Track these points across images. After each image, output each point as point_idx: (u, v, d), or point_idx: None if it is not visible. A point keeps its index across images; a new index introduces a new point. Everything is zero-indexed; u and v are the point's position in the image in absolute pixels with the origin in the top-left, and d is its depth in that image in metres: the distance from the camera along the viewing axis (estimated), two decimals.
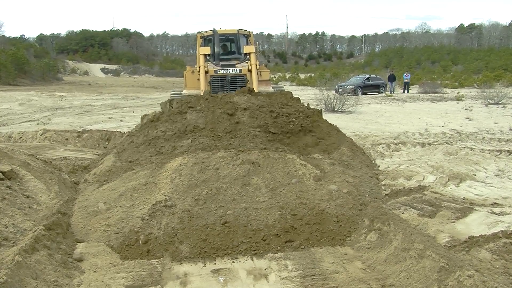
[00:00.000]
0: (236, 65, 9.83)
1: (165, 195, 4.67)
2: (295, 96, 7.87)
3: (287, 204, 4.63)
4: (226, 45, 11.69)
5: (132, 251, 4.04)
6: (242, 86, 8.82)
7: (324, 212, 4.57)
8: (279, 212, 4.50)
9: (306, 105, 7.82)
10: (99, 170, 6.08)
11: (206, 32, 11.22)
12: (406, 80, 30.76)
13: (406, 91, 30.26)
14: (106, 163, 6.29)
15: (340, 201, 4.75)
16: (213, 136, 6.20)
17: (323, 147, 6.69)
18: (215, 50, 10.16)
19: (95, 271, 3.60)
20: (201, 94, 7.96)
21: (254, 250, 4.09)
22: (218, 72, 9.56)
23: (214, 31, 10.29)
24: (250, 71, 9.47)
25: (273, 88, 10.26)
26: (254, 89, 8.08)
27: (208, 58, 10.00)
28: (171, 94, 11.09)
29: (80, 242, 4.11)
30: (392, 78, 30.82)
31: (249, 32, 11.61)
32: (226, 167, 5.09)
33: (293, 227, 4.37)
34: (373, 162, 7.29)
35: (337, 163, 5.99)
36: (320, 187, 4.98)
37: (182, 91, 10.60)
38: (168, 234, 4.21)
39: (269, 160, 5.30)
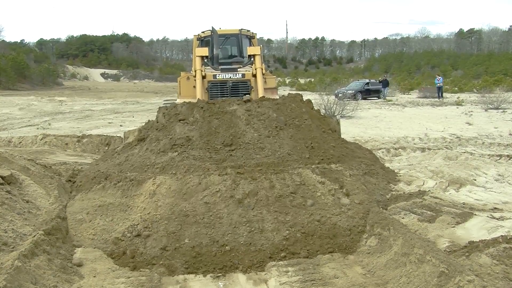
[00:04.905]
0: (238, 69, 8.43)
1: (142, 218, 4.30)
2: (307, 99, 6.81)
3: (297, 224, 4.27)
4: (227, 47, 10.15)
5: (122, 261, 3.92)
6: (245, 94, 7.51)
7: (336, 226, 4.33)
8: (288, 231, 4.18)
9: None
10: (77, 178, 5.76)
11: (203, 32, 9.78)
12: (439, 84, 29.11)
13: (440, 95, 28.54)
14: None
15: (351, 213, 4.53)
16: (208, 149, 5.24)
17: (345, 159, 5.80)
18: (214, 52, 8.77)
19: (94, 276, 3.59)
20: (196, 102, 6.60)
21: (257, 267, 3.90)
22: (217, 77, 8.22)
23: (213, 30, 9.09)
24: (254, 76, 8.13)
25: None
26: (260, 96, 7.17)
27: (206, 61, 8.58)
28: (163, 104, 9.35)
29: (79, 247, 4.11)
30: (385, 84, 30.76)
31: (253, 33, 10.11)
32: (220, 203, 4.40)
33: (301, 242, 4.11)
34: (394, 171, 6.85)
35: (355, 169, 5.37)
36: (335, 202, 4.64)
37: (176, 100, 9.15)
38: (155, 253, 3.98)
39: (279, 183, 4.68)
